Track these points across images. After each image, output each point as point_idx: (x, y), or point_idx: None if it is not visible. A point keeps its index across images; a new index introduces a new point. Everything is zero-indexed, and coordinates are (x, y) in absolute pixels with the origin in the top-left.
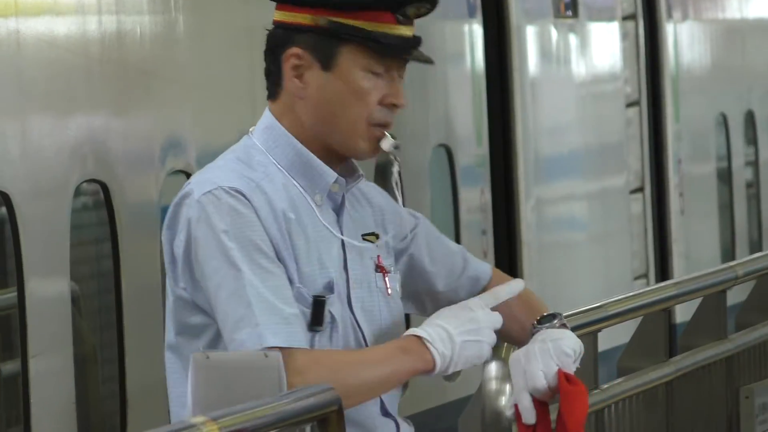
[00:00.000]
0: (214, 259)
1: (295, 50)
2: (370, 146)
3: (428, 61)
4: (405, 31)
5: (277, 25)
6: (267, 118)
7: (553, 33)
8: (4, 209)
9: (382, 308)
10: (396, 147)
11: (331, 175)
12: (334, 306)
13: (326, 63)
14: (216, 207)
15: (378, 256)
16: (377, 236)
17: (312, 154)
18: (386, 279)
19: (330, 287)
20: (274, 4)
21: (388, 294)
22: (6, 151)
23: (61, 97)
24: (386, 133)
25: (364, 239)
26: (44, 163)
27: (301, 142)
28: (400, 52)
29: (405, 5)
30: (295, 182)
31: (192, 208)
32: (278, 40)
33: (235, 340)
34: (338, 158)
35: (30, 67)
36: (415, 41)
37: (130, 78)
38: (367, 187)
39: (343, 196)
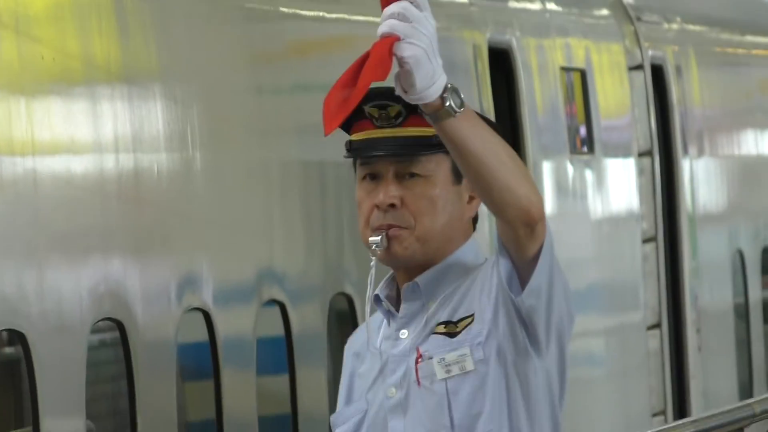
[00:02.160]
0: None
1: None
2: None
3: (404, 154)
4: (383, 133)
5: None
6: None
7: (569, 169)
8: (20, 348)
9: (415, 401)
10: (376, 245)
11: (378, 296)
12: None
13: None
14: None
15: (417, 347)
16: (445, 324)
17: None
18: (417, 368)
19: (363, 409)
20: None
21: (419, 386)
22: (22, 291)
23: (78, 235)
24: (379, 233)
25: (434, 333)
26: (60, 301)
27: None
28: (363, 153)
29: (361, 111)
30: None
31: None
32: None
33: None
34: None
35: (47, 205)
36: (382, 140)
37: (146, 216)
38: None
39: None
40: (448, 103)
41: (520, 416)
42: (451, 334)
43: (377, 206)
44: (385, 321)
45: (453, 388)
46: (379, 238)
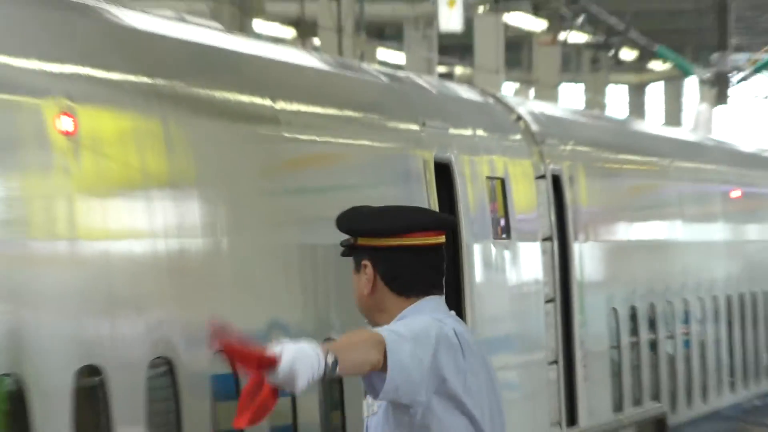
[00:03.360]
0: None
1: None
2: None
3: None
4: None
5: None
6: None
7: (493, 249)
8: (98, 379)
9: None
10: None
11: None
12: None
13: None
14: None
15: None
16: None
17: None
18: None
19: None
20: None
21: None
22: (99, 337)
23: (137, 296)
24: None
25: None
26: (126, 344)
27: None
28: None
29: None
30: None
31: None
32: None
33: None
34: None
35: (118, 279)
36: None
37: (190, 282)
38: None
39: None
40: (331, 373)
41: None
42: None
43: None
44: None
45: (371, 423)
46: None
